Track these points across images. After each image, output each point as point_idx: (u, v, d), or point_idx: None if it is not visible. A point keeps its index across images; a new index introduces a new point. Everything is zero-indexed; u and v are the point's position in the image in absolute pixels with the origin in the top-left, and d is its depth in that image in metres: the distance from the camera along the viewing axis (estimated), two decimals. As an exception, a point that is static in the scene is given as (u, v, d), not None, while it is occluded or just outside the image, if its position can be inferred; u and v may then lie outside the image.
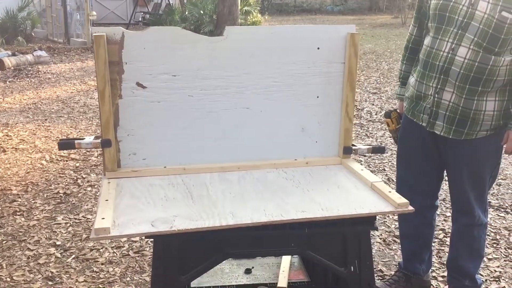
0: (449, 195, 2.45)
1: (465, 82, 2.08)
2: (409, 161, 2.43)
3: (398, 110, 2.54)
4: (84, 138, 1.91)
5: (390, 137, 2.64)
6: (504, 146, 2.19)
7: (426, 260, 2.58)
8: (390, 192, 1.74)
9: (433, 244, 2.65)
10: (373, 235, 3.10)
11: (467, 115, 2.12)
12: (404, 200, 1.67)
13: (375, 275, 2.19)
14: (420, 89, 2.23)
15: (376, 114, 6.26)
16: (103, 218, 1.52)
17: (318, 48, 1.98)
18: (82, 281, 2.71)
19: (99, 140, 1.87)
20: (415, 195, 2.18)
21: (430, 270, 2.67)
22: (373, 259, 1.80)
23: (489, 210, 3.54)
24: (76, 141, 1.88)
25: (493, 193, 3.87)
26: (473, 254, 2.38)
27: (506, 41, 2.00)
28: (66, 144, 1.90)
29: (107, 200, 1.66)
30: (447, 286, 2.53)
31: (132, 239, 3.10)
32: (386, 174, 4.26)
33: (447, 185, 2.42)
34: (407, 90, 2.35)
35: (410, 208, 1.67)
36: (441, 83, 2.14)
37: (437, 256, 2.95)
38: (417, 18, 2.36)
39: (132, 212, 1.61)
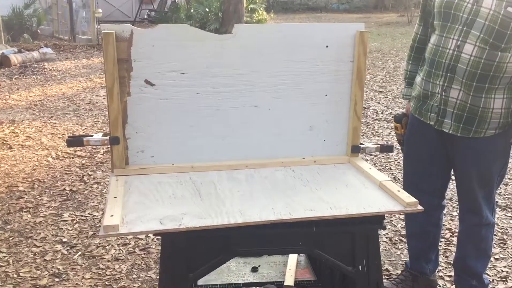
0: (455, 194, 2.44)
1: (472, 79, 2.07)
2: (416, 160, 2.41)
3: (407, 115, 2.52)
4: (93, 136, 1.91)
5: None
6: None
7: (433, 259, 2.57)
8: (399, 191, 1.73)
9: (439, 243, 2.63)
10: (379, 234, 3.09)
11: (475, 113, 2.11)
12: (413, 200, 1.66)
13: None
14: (427, 87, 2.22)
15: (382, 113, 6.24)
16: (112, 216, 1.52)
17: (327, 46, 1.97)
18: (89, 278, 2.71)
19: (107, 138, 1.88)
20: (422, 195, 2.17)
21: (437, 270, 2.66)
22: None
23: (496, 210, 3.53)
24: (84, 138, 1.88)
25: (500, 192, 3.85)
26: (481, 254, 2.37)
27: None
28: (74, 141, 1.90)
29: (115, 197, 1.67)
30: (454, 285, 2.52)
31: (138, 236, 3.10)
32: (392, 173, 4.25)
33: (454, 184, 2.41)
34: (414, 89, 2.34)
35: (419, 207, 1.66)
36: (448, 81, 2.13)
37: (443, 256, 2.94)
38: (422, 17, 2.35)
39: (141, 210, 1.61)
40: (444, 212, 3.05)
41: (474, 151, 2.19)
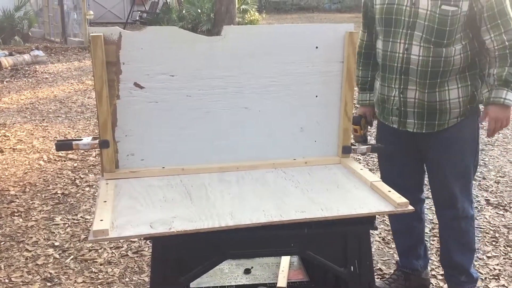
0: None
1: (424, 77, 2.15)
2: (389, 160, 2.44)
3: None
4: (82, 139, 1.90)
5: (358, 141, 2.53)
6: (484, 127, 2.17)
7: (422, 255, 2.57)
8: (389, 191, 1.73)
9: (431, 241, 2.64)
10: (372, 234, 3.10)
11: (434, 108, 2.18)
12: (404, 200, 1.67)
13: (375, 274, 2.18)
14: (383, 92, 2.29)
15: (374, 112, 6.24)
16: (101, 220, 1.51)
17: (317, 47, 1.97)
18: (81, 282, 2.70)
19: (96, 141, 1.86)
20: (401, 191, 2.17)
21: (430, 269, 2.67)
22: (373, 258, 1.79)
23: (487, 208, 3.55)
24: (73, 142, 1.87)
25: (492, 190, 3.87)
26: (465, 249, 2.38)
27: (452, 32, 2.08)
28: (63, 145, 1.89)
29: (105, 201, 1.65)
30: (446, 284, 2.52)
31: (131, 239, 3.09)
32: (385, 173, 4.25)
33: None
34: (374, 94, 2.40)
35: (410, 207, 1.66)
36: (403, 83, 2.20)
37: (436, 255, 2.95)
38: (365, 24, 2.41)
39: (131, 214, 1.60)
40: (432, 208, 3.05)
41: (442, 142, 2.25)
